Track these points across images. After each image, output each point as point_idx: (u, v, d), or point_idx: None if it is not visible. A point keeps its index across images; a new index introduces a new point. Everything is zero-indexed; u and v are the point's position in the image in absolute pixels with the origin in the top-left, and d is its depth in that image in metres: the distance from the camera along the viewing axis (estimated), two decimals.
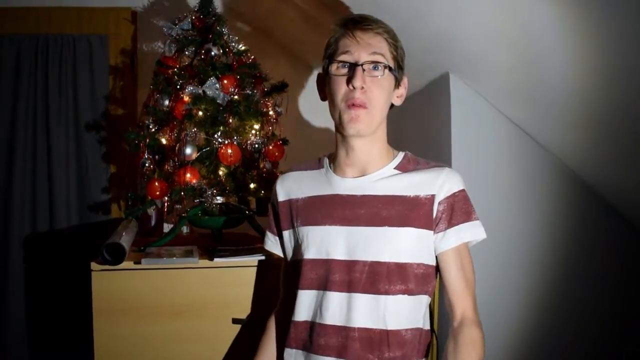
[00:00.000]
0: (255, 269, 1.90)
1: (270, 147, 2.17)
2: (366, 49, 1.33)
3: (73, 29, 2.78)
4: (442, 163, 1.43)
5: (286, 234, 1.52)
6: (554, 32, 1.66)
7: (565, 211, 2.23)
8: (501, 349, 2.22)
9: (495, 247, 2.20)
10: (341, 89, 1.33)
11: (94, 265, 1.83)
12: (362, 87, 1.31)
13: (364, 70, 1.32)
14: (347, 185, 1.41)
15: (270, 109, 2.21)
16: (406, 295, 1.34)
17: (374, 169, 1.40)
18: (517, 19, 1.72)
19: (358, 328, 1.33)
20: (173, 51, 2.22)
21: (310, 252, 1.41)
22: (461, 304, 1.35)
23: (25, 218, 2.72)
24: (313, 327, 1.38)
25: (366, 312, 1.33)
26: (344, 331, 1.34)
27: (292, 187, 1.52)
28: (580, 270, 2.24)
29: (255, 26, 2.87)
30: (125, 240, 1.89)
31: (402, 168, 1.40)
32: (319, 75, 1.48)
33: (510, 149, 2.21)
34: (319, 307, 1.38)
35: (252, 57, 2.25)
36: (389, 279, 1.32)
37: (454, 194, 1.35)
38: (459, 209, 1.35)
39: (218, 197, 2.11)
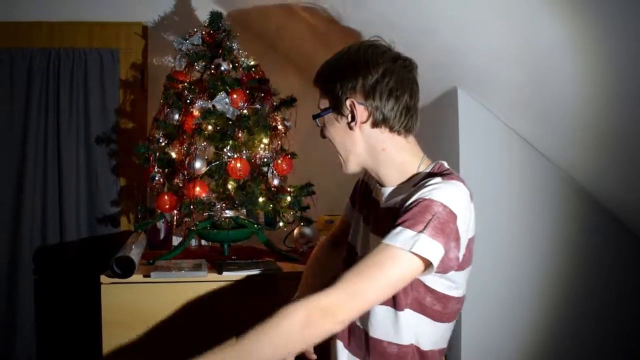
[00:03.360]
0: (263, 282, 1.91)
1: (279, 161, 2.19)
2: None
3: (84, 43, 2.81)
4: (456, 178, 1.28)
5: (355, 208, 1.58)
6: (560, 48, 1.67)
7: (572, 223, 2.22)
8: (507, 357, 2.21)
9: (502, 260, 2.20)
10: None
11: (103, 278, 1.85)
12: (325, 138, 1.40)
13: (318, 125, 1.42)
14: (377, 192, 1.42)
15: (279, 123, 2.23)
16: (385, 307, 1.30)
17: (390, 184, 1.37)
18: (524, 35, 1.73)
19: (356, 326, 1.38)
20: (183, 66, 2.24)
21: (349, 236, 1.53)
22: (331, 289, 1.19)
23: (36, 230, 2.74)
24: None
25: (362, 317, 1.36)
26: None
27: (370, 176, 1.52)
28: (586, 281, 2.22)
29: (264, 41, 2.89)
30: (135, 253, 1.91)
31: (418, 181, 1.31)
32: None
33: (517, 162, 2.21)
34: None
35: (262, 71, 2.27)
36: None
37: (418, 200, 1.20)
38: (416, 215, 1.18)
39: (227, 211, 2.12)
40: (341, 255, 1.56)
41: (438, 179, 1.24)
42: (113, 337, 1.84)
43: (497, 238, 2.19)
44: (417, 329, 1.30)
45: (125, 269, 1.82)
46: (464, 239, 1.24)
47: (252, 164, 2.14)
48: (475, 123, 2.16)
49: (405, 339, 1.30)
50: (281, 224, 2.24)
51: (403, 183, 1.34)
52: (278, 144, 2.22)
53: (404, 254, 1.15)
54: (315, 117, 1.40)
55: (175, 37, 2.31)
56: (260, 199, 2.13)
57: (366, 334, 1.35)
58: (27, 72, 2.75)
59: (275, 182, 2.20)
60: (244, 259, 2.13)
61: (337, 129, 1.36)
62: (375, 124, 1.32)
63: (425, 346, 1.32)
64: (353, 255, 1.47)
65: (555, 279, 2.23)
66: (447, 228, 1.18)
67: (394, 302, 1.28)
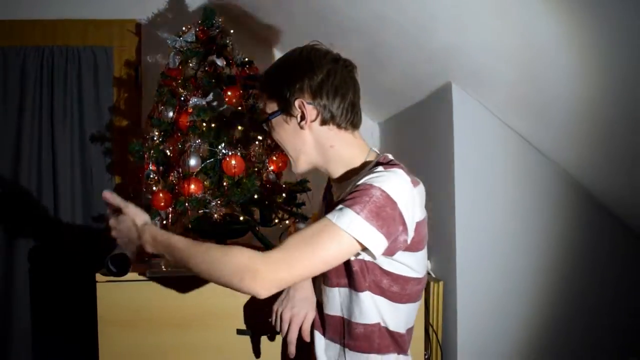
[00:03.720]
0: None
1: (274, 158, 2.18)
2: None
3: (78, 41, 2.80)
4: (397, 166, 1.32)
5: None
6: (555, 44, 1.68)
7: (567, 219, 2.23)
8: (506, 356, 2.22)
9: (497, 255, 2.20)
10: None
11: (99, 277, 1.85)
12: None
13: (266, 128, 1.47)
14: (333, 187, 1.51)
15: None
16: (346, 289, 1.38)
17: (342, 179, 1.43)
18: (519, 31, 1.73)
19: (327, 314, 1.44)
20: (177, 63, 2.24)
21: None
22: (270, 256, 1.22)
23: (30, 228, 2.73)
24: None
25: (328, 301, 1.43)
26: (321, 313, 1.47)
27: None
28: (584, 279, 2.24)
29: (258, 37, 2.88)
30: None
31: (360, 173, 1.37)
32: None
33: (512, 157, 2.21)
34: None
35: (256, 68, 2.26)
36: (335, 273, 1.38)
37: (358, 185, 1.26)
38: (351, 196, 1.24)
39: (222, 208, 2.12)
40: None
41: (380, 168, 1.29)
42: (109, 335, 1.84)
43: (491, 233, 2.19)
44: (380, 310, 1.36)
45: (121, 267, 1.81)
46: (410, 223, 1.29)
47: (246, 161, 2.14)
48: (469, 118, 2.16)
49: (371, 319, 1.36)
50: (276, 220, 2.24)
51: (351, 175, 1.40)
52: (272, 140, 2.22)
53: (343, 234, 1.21)
54: (262, 122, 1.45)
55: (168, 34, 2.30)
56: (256, 196, 2.13)
57: (340, 317, 1.40)
58: (21, 70, 2.74)
59: (270, 178, 2.20)
60: None
61: (286, 131, 1.41)
62: (323, 122, 1.39)
63: (391, 326, 1.38)
64: None
65: (550, 274, 2.24)
66: (383, 212, 1.22)
67: (354, 284, 1.34)
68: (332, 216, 1.23)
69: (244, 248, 1.24)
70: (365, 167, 1.37)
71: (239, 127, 2.16)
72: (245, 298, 1.88)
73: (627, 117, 1.74)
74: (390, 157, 1.40)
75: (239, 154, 2.10)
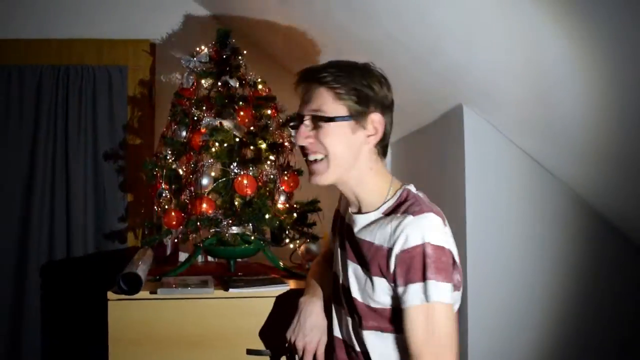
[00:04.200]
0: (269, 299, 1.91)
1: (286, 178, 2.19)
2: (307, 105, 1.35)
3: (93, 60, 2.84)
4: (424, 208, 1.30)
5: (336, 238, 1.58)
6: (563, 65, 1.68)
7: (579, 242, 2.22)
8: None
9: (509, 278, 2.19)
10: (297, 141, 1.37)
11: (110, 295, 1.85)
12: (310, 141, 1.34)
13: (306, 125, 1.34)
14: (350, 218, 1.44)
15: (285, 140, 2.24)
16: (378, 332, 1.35)
17: (365, 209, 1.39)
18: (528, 52, 1.74)
19: (337, 338, 1.48)
20: (191, 83, 2.26)
21: (333, 265, 1.56)
22: None
23: (43, 245, 2.75)
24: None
25: (345, 329, 1.45)
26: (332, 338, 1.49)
27: (342, 201, 1.57)
28: (596, 300, 2.22)
29: (269, 57, 2.91)
30: (142, 269, 1.91)
31: (389, 212, 1.35)
32: None
33: (523, 179, 2.21)
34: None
35: (268, 88, 2.28)
36: (369, 316, 1.35)
37: (407, 250, 1.25)
38: (413, 267, 1.24)
39: (233, 227, 2.12)
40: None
41: (410, 219, 1.26)
42: (120, 354, 1.84)
43: (503, 253, 2.18)
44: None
45: (132, 286, 1.82)
46: (457, 260, 1.31)
47: (258, 181, 2.15)
48: (480, 139, 2.16)
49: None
50: (287, 240, 2.25)
51: (375, 212, 1.37)
52: (285, 160, 2.23)
53: (448, 306, 1.24)
54: (328, 119, 1.31)
55: (182, 54, 2.33)
56: (267, 216, 2.13)
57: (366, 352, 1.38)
58: (37, 88, 2.79)
59: (282, 198, 2.20)
60: (250, 276, 2.13)
61: (345, 139, 1.32)
62: (378, 142, 1.35)
63: None
64: (337, 283, 1.50)
65: (560, 290, 2.22)
66: (441, 264, 1.24)
67: (398, 329, 1.32)
68: (419, 300, 1.23)
69: None
70: (387, 204, 1.35)
71: (251, 147, 2.17)
72: (255, 318, 1.88)
73: (635, 136, 1.74)
74: (413, 190, 1.37)
75: (251, 173, 2.12)
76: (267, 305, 1.90)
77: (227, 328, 1.89)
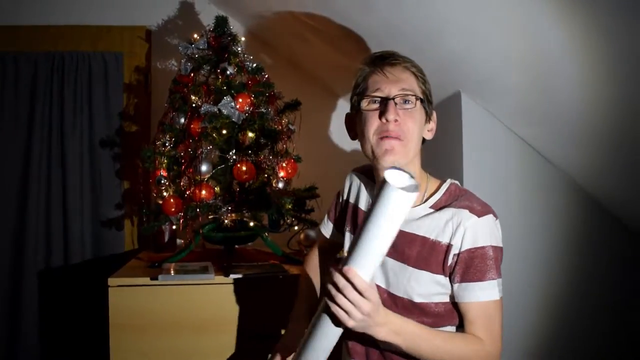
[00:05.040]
0: (269, 285, 1.93)
1: (284, 165, 2.20)
2: (396, 83, 1.35)
3: (88, 47, 2.82)
4: (485, 206, 1.36)
5: (348, 235, 1.56)
6: (563, 53, 1.69)
7: (576, 227, 2.24)
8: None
9: (507, 265, 2.20)
10: (374, 123, 1.34)
11: (111, 281, 1.86)
12: (396, 120, 1.32)
13: (395, 104, 1.34)
14: None
15: (283, 126, 2.24)
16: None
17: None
18: (528, 40, 1.75)
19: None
20: (189, 70, 2.25)
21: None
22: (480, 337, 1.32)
23: (40, 234, 2.75)
24: None
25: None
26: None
27: (355, 192, 1.57)
28: (593, 286, 2.24)
29: (267, 45, 2.90)
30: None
31: (437, 206, 1.37)
32: (347, 115, 1.49)
33: (521, 166, 2.22)
34: None
35: (266, 75, 2.28)
36: (406, 311, 1.33)
37: (472, 250, 1.30)
38: (474, 266, 1.30)
39: (232, 214, 2.13)
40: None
41: (475, 220, 1.31)
42: (120, 340, 1.85)
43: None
44: None
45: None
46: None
47: (257, 167, 2.16)
48: (478, 127, 2.18)
49: None
50: (285, 226, 2.26)
51: (422, 205, 1.38)
52: (283, 147, 2.24)
53: (497, 303, 1.32)
54: (419, 99, 1.37)
55: (178, 40, 2.32)
56: (265, 202, 2.14)
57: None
58: (32, 76, 2.76)
59: (280, 185, 2.21)
60: (248, 262, 2.14)
61: (419, 125, 1.38)
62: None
63: None
64: None
65: (557, 279, 2.25)
66: (498, 262, 1.34)
67: (440, 323, 1.35)
68: (485, 296, 1.30)
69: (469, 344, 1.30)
70: (434, 197, 1.39)
71: (250, 134, 2.17)
72: (254, 303, 1.89)
73: (634, 125, 1.76)
74: (458, 184, 1.44)
75: (249, 160, 2.12)
76: (267, 290, 1.92)
77: (228, 313, 1.90)
